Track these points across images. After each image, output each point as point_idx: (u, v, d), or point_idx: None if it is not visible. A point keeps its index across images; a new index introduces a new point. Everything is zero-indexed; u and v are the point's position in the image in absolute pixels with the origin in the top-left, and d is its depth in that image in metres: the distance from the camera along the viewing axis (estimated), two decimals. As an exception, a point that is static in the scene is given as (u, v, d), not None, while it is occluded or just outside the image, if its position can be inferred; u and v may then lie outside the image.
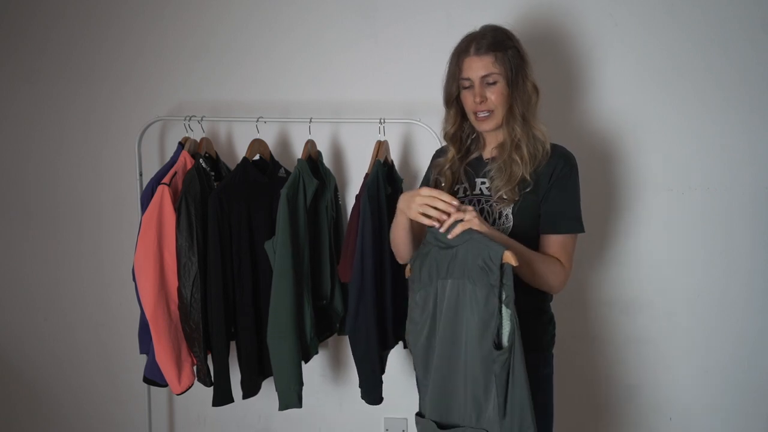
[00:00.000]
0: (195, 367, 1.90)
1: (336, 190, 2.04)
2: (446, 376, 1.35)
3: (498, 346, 1.25)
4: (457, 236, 1.30)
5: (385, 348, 1.88)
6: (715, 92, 1.96)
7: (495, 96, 1.41)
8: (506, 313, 1.25)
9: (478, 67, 1.41)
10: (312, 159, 1.96)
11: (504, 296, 1.24)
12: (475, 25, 1.50)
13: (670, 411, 2.12)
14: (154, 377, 1.92)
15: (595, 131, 2.01)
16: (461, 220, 1.29)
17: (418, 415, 1.45)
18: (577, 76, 2.00)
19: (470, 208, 1.32)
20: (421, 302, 1.41)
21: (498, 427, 1.27)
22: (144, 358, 1.98)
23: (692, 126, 1.98)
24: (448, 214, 1.31)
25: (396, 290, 1.84)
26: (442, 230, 1.32)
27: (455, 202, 1.31)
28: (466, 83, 1.44)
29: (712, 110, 1.97)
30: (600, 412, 2.15)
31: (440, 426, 1.36)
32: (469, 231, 1.29)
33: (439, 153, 1.63)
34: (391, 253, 1.82)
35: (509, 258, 1.23)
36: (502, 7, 1.96)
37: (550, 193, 1.43)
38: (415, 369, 1.50)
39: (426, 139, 1.96)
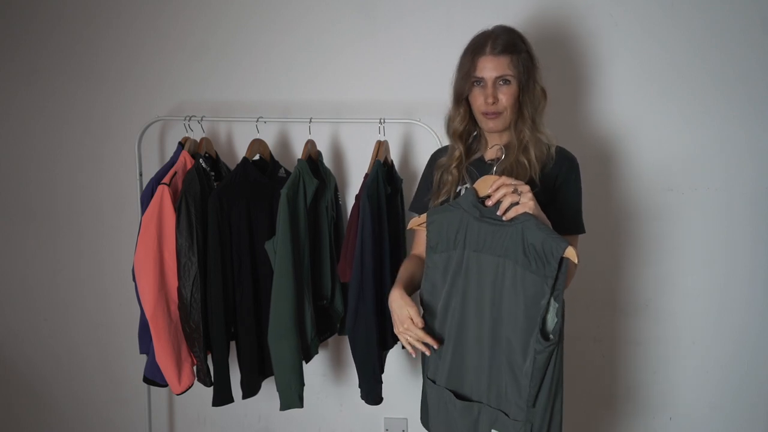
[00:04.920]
0: (195, 367, 1.90)
1: (336, 190, 2.04)
2: (467, 350, 1.34)
3: (545, 336, 1.22)
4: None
5: (385, 348, 1.88)
6: (715, 92, 1.96)
7: (506, 97, 1.41)
8: (553, 306, 1.22)
9: (493, 66, 1.40)
10: (312, 159, 1.96)
11: (555, 290, 1.21)
12: (475, 24, 1.50)
13: (670, 411, 2.12)
14: (154, 377, 1.92)
15: (595, 132, 2.01)
16: (517, 203, 1.25)
17: (430, 380, 1.44)
18: (576, 77, 2.00)
19: (527, 188, 1.27)
20: (441, 265, 1.37)
21: (524, 414, 1.26)
22: (144, 358, 1.98)
23: (692, 126, 1.98)
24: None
25: (396, 290, 1.84)
26: (489, 204, 1.28)
27: (429, 340, 1.35)
28: (480, 82, 1.43)
29: (712, 110, 1.97)
30: (600, 411, 2.15)
31: (457, 396, 1.35)
32: (523, 213, 1.25)
33: (440, 153, 1.62)
34: (391, 253, 1.83)
35: (572, 255, 1.20)
36: (502, 7, 1.96)
37: (557, 195, 1.44)
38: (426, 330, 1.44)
39: (426, 139, 1.96)
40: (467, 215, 1.33)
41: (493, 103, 1.41)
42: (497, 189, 1.28)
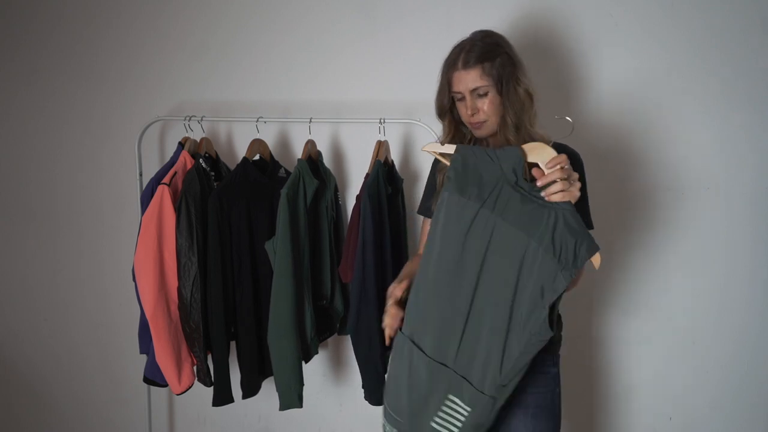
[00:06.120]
0: (195, 367, 1.90)
1: (336, 190, 2.04)
2: (452, 311, 1.29)
3: (551, 324, 1.21)
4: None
5: (388, 348, 1.88)
6: (715, 92, 1.95)
7: (487, 106, 1.42)
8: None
9: (466, 80, 1.42)
10: (312, 159, 1.96)
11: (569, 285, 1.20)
12: (475, 25, 1.50)
13: (670, 411, 2.12)
14: (154, 377, 1.92)
15: (595, 131, 2.01)
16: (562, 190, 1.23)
17: (404, 334, 1.37)
18: (576, 77, 2.00)
19: (576, 176, 1.25)
20: (454, 211, 1.29)
21: (493, 390, 1.26)
22: (144, 358, 1.98)
23: (691, 126, 1.97)
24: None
25: (396, 290, 1.84)
26: (540, 183, 1.24)
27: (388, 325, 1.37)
28: (458, 96, 1.45)
29: (712, 110, 1.96)
30: (600, 411, 2.15)
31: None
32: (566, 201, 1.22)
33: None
34: (392, 252, 1.83)
35: (597, 261, 1.19)
36: (502, 7, 1.96)
37: None
38: (412, 277, 1.38)
39: (426, 139, 1.95)
40: (503, 176, 1.27)
41: (473, 114, 1.42)
42: (554, 167, 1.24)
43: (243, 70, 2.14)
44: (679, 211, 2.02)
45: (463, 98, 1.44)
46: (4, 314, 2.39)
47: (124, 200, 2.20)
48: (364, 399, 1.86)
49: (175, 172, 1.87)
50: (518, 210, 1.24)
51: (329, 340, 2.12)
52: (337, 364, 2.25)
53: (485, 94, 1.41)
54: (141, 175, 2.10)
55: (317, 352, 1.98)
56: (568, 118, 1.32)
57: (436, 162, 1.64)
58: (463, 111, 1.45)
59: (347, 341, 1.82)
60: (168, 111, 2.17)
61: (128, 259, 1.95)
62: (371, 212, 1.74)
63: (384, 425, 1.44)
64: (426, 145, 1.40)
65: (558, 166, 1.24)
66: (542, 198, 1.24)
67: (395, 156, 2.04)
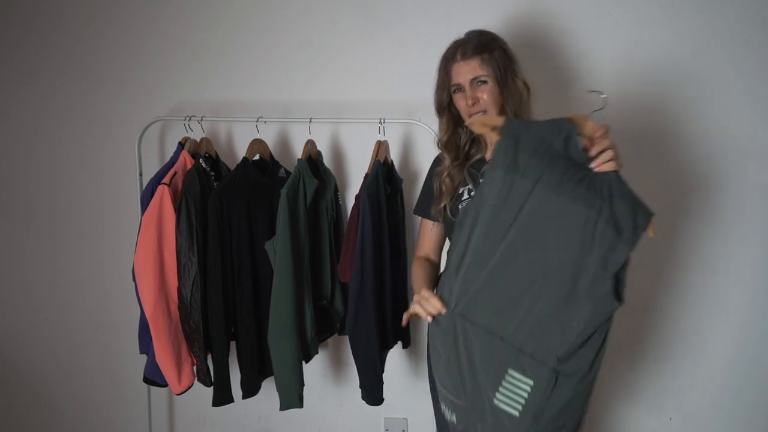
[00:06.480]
0: (195, 367, 1.90)
1: (336, 190, 2.04)
2: (507, 286, 1.24)
3: (619, 297, 1.21)
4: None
5: (385, 348, 1.88)
6: (715, 93, 1.96)
7: (486, 95, 1.43)
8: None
9: (466, 71, 1.43)
10: (312, 159, 1.96)
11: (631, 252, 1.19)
12: (475, 25, 1.50)
13: (670, 411, 2.12)
14: (154, 377, 1.92)
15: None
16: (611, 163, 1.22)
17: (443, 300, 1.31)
18: (576, 77, 2.00)
19: (619, 150, 1.24)
20: (505, 188, 1.23)
21: (554, 362, 1.23)
22: (144, 358, 1.98)
23: (691, 126, 1.98)
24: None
25: (396, 290, 1.84)
26: (592, 153, 1.22)
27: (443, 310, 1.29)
28: (457, 88, 1.46)
29: (711, 110, 1.96)
30: (600, 411, 2.15)
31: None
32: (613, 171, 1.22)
33: (439, 160, 1.63)
34: (391, 252, 1.83)
35: (651, 230, 1.20)
36: (501, 7, 1.96)
37: None
38: (457, 242, 1.31)
39: (426, 139, 1.95)
40: (553, 148, 1.23)
41: (474, 104, 1.43)
42: (604, 136, 1.23)
43: (243, 70, 2.14)
44: (679, 210, 2.02)
45: (462, 90, 1.44)
46: (4, 314, 2.39)
47: (124, 200, 2.20)
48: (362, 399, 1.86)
49: (175, 172, 1.87)
50: (573, 182, 1.20)
51: (329, 340, 2.12)
52: (337, 364, 2.25)
53: (484, 84, 1.42)
54: (141, 175, 2.10)
55: (317, 352, 1.98)
56: (602, 93, 1.30)
57: (433, 165, 1.65)
58: (462, 103, 1.45)
59: (347, 341, 1.82)
60: (168, 111, 2.17)
61: (128, 259, 1.95)
62: (370, 212, 1.74)
63: (444, 412, 1.39)
64: (472, 118, 1.35)
65: (605, 132, 1.23)
66: (591, 169, 1.23)
67: (395, 156, 2.04)
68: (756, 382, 2.06)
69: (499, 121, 1.28)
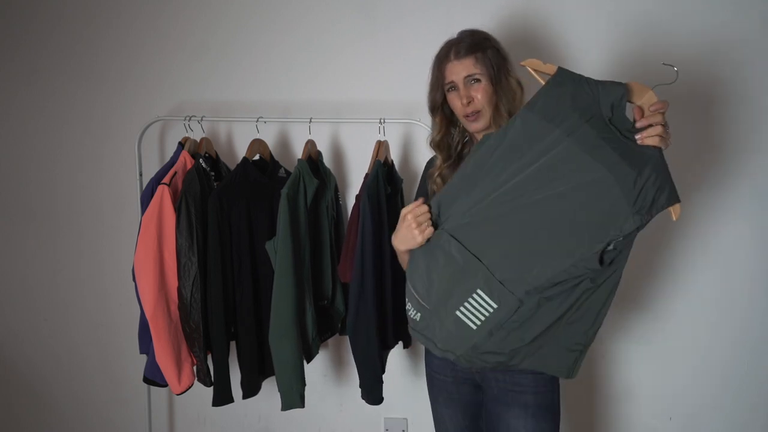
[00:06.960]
0: (195, 367, 1.90)
1: (336, 190, 2.04)
2: (509, 226, 1.27)
3: (600, 260, 1.22)
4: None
5: (386, 348, 1.88)
6: (715, 93, 1.96)
7: (480, 94, 1.43)
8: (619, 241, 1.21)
9: (459, 70, 1.43)
10: (312, 159, 1.96)
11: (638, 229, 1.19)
12: (475, 25, 1.50)
13: (670, 411, 2.12)
14: (154, 377, 1.92)
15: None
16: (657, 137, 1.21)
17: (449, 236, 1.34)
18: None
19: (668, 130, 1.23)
20: (533, 131, 1.24)
21: (522, 293, 1.27)
22: (144, 358, 1.98)
23: (690, 126, 1.98)
24: None
25: (396, 290, 1.84)
26: (639, 125, 1.21)
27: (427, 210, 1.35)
28: (451, 86, 1.46)
29: (711, 111, 1.97)
30: (600, 411, 2.15)
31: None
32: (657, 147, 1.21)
33: (432, 162, 1.64)
34: (391, 253, 1.82)
35: (677, 212, 1.19)
36: (501, 7, 1.96)
37: None
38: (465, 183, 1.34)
39: (426, 139, 1.95)
40: (598, 109, 1.22)
41: (469, 103, 1.43)
42: (658, 109, 1.22)
43: (243, 70, 2.14)
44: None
45: (456, 88, 1.45)
46: (4, 314, 2.39)
47: (124, 200, 2.20)
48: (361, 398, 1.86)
49: (175, 172, 1.87)
50: (606, 145, 1.20)
51: (330, 340, 2.12)
52: (337, 364, 2.25)
53: (478, 82, 1.43)
54: (141, 175, 2.10)
55: (318, 352, 1.98)
56: (674, 67, 1.29)
57: (426, 168, 1.65)
58: (457, 102, 1.45)
59: (348, 341, 1.82)
60: (168, 111, 2.17)
61: (128, 259, 1.95)
62: (370, 212, 1.74)
63: (408, 309, 1.45)
64: (525, 61, 1.33)
65: (659, 108, 1.22)
66: (633, 140, 1.22)
67: (395, 156, 2.04)
68: (756, 382, 2.06)
69: (552, 69, 1.28)
